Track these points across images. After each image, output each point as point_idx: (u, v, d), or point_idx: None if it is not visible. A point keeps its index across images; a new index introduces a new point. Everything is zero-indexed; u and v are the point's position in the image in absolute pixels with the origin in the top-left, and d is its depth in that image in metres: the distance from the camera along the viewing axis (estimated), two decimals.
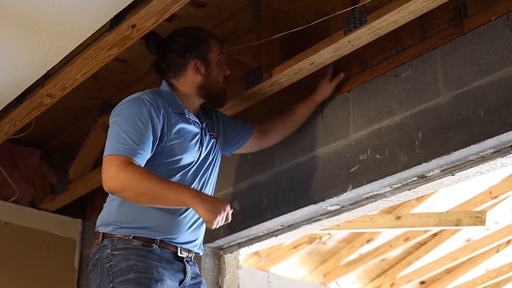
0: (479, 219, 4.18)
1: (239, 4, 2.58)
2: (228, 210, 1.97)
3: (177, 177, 2.08)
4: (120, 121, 2.02)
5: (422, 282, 5.63)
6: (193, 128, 2.16)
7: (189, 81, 2.21)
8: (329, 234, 4.72)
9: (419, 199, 4.42)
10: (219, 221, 1.93)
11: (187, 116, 2.16)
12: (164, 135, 2.06)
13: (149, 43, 2.27)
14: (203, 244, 2.24)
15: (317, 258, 5.19)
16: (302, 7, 2.58)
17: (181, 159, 2.09)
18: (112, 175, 1.93)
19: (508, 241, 5.13)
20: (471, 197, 4.51)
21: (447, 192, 4.41)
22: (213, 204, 1.93)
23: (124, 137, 1.97)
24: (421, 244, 5.19)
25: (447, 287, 5.66)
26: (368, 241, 4.89)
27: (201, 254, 2.22)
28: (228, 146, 2.40)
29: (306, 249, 4.99)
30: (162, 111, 2.07)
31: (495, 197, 4.35)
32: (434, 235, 5.03)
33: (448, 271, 5.54)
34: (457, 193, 4.47)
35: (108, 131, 2.04)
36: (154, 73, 2.34)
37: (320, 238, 4.81)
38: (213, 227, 1.93)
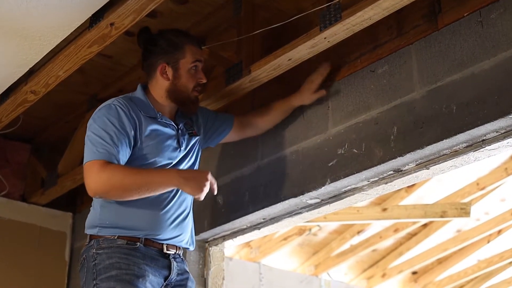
0: (464, 210, 4.21)
1: (221, 0, 2.61)
2: (211, 179, 2.07)
3: None
4: (94, 128, 2.08)
5: (414, 272, 5.67)
6: (168, 131, 2.19)
7: (158, 84, 2.25)
8: (318, 226, 4.76)
9: (408, 190, 4.45)
10: (206, 192, 2.06)
11: (160, 119, 2.19)
12: (137, 139, 2.11)
13: (139, 37, 2.31)
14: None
15: (308, 249, 5.23)
16: (283, 3, 2.60)
17: (156, 161, 2.13)
18: (93, 180, 1.99)
19: (499, 231, 5.17)
20: (458, 189, 4.54)
21: (436, 183, 4.44)
22: (197, 180, 2.04)
23: (100, 142, 2.03)
24: (412, 235, 5.22)
25: (439, 277, 5.71)
26: (358, 232, 4.93)
27: (192, 249, 2.26)
28: (210, 139, 2.45)
29: (297, 241, 5.02)
30: (133, 116, 2.12)
31: (482, 188, 4.38)
32: (425, 226, 5.07)
33: (440, 261, 5.58)
34: (445, 184, 4.50)
35: (85, 140, 2.10)
36: (141, 69, 2.37)
37: (310, 229, 4.84)
38: (202, 199, 2.08)
